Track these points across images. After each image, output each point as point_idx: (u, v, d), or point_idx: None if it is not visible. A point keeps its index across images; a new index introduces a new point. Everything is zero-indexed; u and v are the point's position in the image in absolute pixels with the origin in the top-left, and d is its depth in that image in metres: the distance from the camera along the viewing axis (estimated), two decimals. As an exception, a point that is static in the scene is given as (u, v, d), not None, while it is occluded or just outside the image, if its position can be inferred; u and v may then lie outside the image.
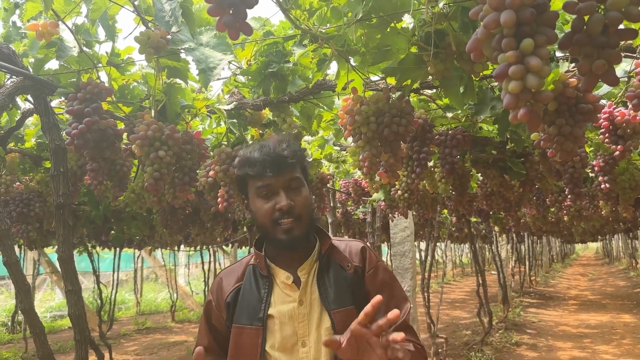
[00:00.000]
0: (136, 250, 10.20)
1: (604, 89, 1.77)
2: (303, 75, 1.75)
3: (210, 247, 8.57)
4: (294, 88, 1.73)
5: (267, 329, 1.34)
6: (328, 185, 2.76)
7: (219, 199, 2.13)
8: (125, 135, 1.77)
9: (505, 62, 0.84)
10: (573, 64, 1.46)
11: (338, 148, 2.97)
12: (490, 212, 5.50)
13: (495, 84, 1.91)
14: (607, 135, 1.80)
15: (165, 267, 12.38)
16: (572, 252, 36.48)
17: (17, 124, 2.05)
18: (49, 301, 12.49)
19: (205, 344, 1.42)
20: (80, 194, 2.90)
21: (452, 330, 8.43)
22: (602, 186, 2.39)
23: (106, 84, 1.65)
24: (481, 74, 1.41)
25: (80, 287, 1.70)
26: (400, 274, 4.89)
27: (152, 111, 1.70)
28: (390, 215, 3.12)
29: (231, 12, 0.92)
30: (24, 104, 2.09)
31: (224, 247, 11.75)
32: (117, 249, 7.28)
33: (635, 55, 1.57)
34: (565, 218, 5.06)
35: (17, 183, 2.69)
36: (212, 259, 9.47)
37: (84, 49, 1.58)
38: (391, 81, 1.59)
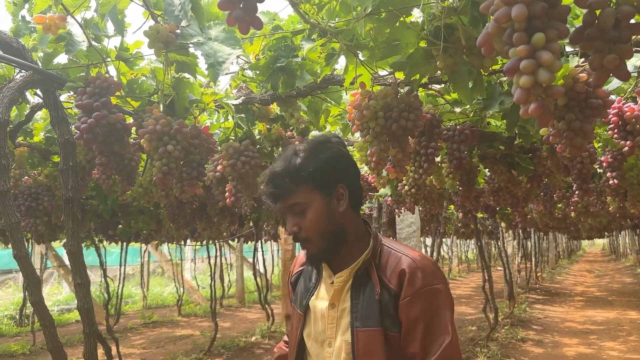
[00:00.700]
0: (143, 245, 10.25)
1: (614, 84, 1.75)
2: (311, 70, 1.75)
3: (216, 241, 8.60)
4: (302, 83, 1.73)
5: (307, 317, 1.42)
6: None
7: (227, 194, 2.14)
8: (133, 129, 1.78)
9: (516, 56, 0.84)
10: (582, 59, 1.45)
11: (345, 143, 2.97)
12: (497, 208, 5.49)
13: (504, 78, 1.90)
14: (616, 130, 1.79)
15: (172, 262, 12.44)
16: (579, 248, 36.34)
17: (26, 118, 2.06)
18: (56, 295, 12.58)
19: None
20: (88, 189, 2.92)
21: (457, 325, 8.39)
22: (611, 182, 2.38)
23: (115, 79, 1.66)
24: (490, 68, 1.40)
25: (89, 281, 1.72)
26: (406, 270, 4.87)
27: (161, 106, 1.70)
28: (396, 210, 3.12)
29: (241, 6, 0.92)
30: (33, 98, 2.10)
31: (230, 241, 11.80)
32: (124, 243, 7.32)
33: (646, 50, 1.56)
34: (572, 214, 5.05)
35: (26, 177, 2.71)
36: (218, 253, 9.50)
37: (93, 43, 1.58)
38: (399, 76, 1.58)
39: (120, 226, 4.94)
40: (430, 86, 1.92)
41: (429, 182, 2.73)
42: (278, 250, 13.55)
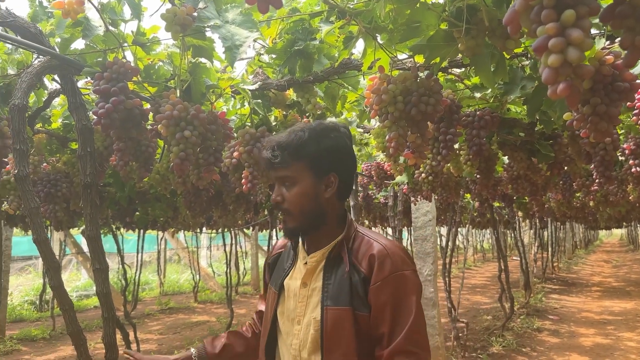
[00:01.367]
0: (159, 232, 10.35)
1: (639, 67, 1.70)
2: (328, 54, 1.72)
3: (231, 229, 8.66)
4: (319, 67, 1.70)
5: (281, 296, 1.49)
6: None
7: (243, 180, 2.13)
8: (150, 115, 1.77)
9: (544, 34, 0.81)
10: (608, 42, 1.40)
11: (361, 130, 2.94)
12: (514, 197, 5.42)
13: (526, 62, 1.85)
14: (640, 116, 1.74)
15: (188, 249, 12.56)
16: (596, 238, 35.90)
17: (45, 104, 2.07)
18: (75, 281, 12.80)
19: (260, 309, 1.70)
20: (105, 176, 2.93)
21: (472, 315, 8.40)
22: (633, 170, 2.33)
23: (132, 64, 1.65)
24: (513, 52, 1.37)
25: (108, 265, 1.73)
26: (421, 259, 4.86)
27: (178, 91, 1.70)
28: (412, 199, 3.09)
29: (260, -15, 0.90)
30: (51, 84, 2.11)
31: (244, 230, 11.86)
32: (141, 230, 7.39)
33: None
34: (591, 203, 4.95)
35: (45, 164, 2.73)
36: (233, 241, 9.57)
37: (110, 28, 1.58)
38: (419, 59, 1.55)
39: (137, 213, 4.98)
40: (450, 70, 1.88)
41: (446, 170, 2.69)
42: (292, 239, 13.55)
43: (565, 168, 2.57)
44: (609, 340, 6.53)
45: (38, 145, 2.57)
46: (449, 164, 2.34)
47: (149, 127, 1.81)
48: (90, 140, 1.65)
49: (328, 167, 1.39)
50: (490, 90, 1.99)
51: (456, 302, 6.00)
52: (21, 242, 13.06)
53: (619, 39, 1.05)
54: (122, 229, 6.93)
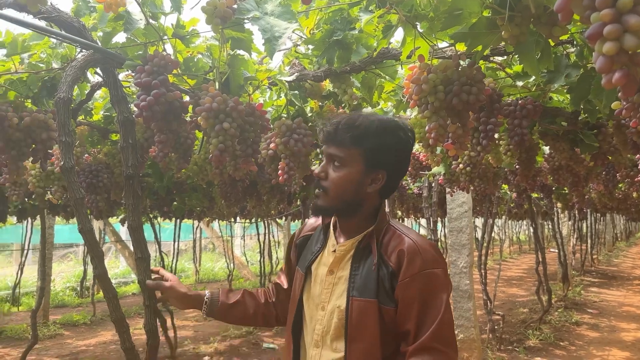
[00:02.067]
0: (195, 221, 10.54)
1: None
2: (366, 43, 1.70)
3: (264, 219, 8.74)
4: (357, 57, 1.69)
5: (307, 279, 1.49)
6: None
7: (280, 172, 2.14)
8: (189, 107, 1.80)
9: (599, 21, 0.78)
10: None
11: (397, 120, 2.91)
12: (554, 188, 5.28)
13: (572, 50, 1.79)
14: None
15: (222, 238, 12.76)
16: (638, 230, 34.69)
17: (87, 96, 2.12)
18: (114, 268, 13.20)
19: (278, 282, 1.70)
20: (144, 166, 2.99)
21: (508, 307, 8.26)
22: (683, 160, 2.23)
23: (172, 57, 1.67)
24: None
25: (149, 255, 1.76)
26: (457, 250, 4.80)
27: (217, 83, 1.71)
28: (449, 190, 3.04)
29: (302, -24, 0.89)
30: (93, 77, 2.16)
31: (277, 219, 11.95)
32: (178, 219, 7.55)
33: None
34: (635, 194, 4.78)
35: (86, 155, 2.80)
36: (266, 231, 9.67)
37: (150, 21, 1.60)
38: (460, 47, 1.52)
39: (174, 203, 5.08)
40: (491, 58, 1.83)
41: (484, 161, 2.64)
42: (325, 229, 13.60)
43: (610, 158, 2.48)
44: (652, 335, 6.33)
45: (80, 137, 2.64)
46: (488, 155, 2.29)
47: (188, 119, 1.84)
48: (132, 133, 1.68)
49: (381, 163, 1.37)
50: (532, 78, 1.93)
51: (492, 294, 5.91)
52: (62, 230, 13.50)
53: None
54: (159, 218, 7.09)
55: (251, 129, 1.83)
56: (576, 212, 10.73)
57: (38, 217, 6.24)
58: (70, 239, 14.63)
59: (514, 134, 1.92)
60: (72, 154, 1.57)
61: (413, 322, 1.28)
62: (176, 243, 8.57)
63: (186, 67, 1.80)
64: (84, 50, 1.78)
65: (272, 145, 2.12)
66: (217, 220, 8.95)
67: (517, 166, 2.61)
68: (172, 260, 8.67)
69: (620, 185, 4.25)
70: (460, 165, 2.61)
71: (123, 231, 11.22)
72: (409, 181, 5.28)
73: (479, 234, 8.52)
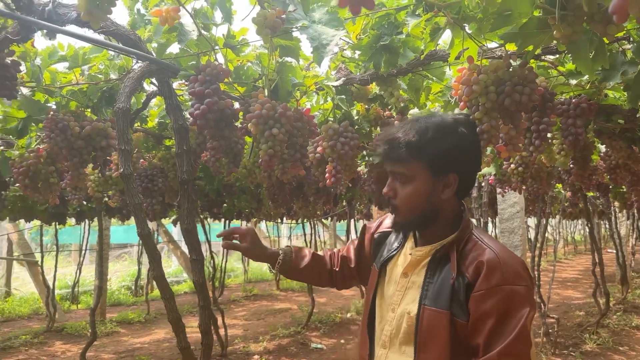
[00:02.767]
0: (243, 222, 10.75)
1: None
2: (413, 46, 1.70)
3: (311, 220, 8.81)
4: (404, 60, 1.69)
5: (381, 277, 1.48)
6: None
7: (327, 175, 2.16)
8: (240, 114, 1.85)
9: (659, 21, 0.75)
10: None
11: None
12: (610, 186, 5.07)
13: (628, 46, 1.72)
14: None
15: (269, 238, 12.94)
16: None
17: (143, 105, 2.21)
18: (166, 268, 13.61)
19: (343, 253, 1.72)
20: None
21: (563, 310, 7.98)
22: None
23: (223, 66, 1.72)
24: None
25: (204, 257, 1.83)
26: (508, 251, 4.68)
27: (266, 90, 1.75)
28: (500, 190, 2.98)
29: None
30: (148, 86, 2.25)
31: (323, 220, 12.01)
32: (227, 220, 7.72)
33: None
34: (701, 192, 4.52)
35: (142, 160, 2.92)
36: (312, 231, 9.74)
37: (202, 32, 1.65)
38: (511, 47, 1.49)
39: (224, 205, 5.21)
40: (543, 57, 1.79)
41: (537, 160, 2.57)
42: (371, 229, 13.56)
43: (672, 156, 2.37)
44: None
45: (136, 143, 2.75)
46: (541, 154, 2.24)
47: (238, 125, 1.89)
48: (186, 140, 1.74)
49: (449, 167, 1.30)
50: (586, 76, 1.87)
51: (546, 296, 5.73)
52: (117, 231, 14.04)
53: None
54: (208, 219, 7.27)
55: (299, 134, 1.86)
56: (635, 211, 10.24)
57: (95, 218, 6.53)
58: (125, 240, 15.23)
59: (568, 134, 1.87)
60: (131, 162, 1.65)
61: (483, 337, 1.20)
62: (225, 243, 8.75)
63: (236, 75, 1.85)
64: (140, 62, 1.86)
65: (319, 148, 2.14)
66: (264, 221, 9.09)
67: (571, 165, 2.53)
68: (222, 260, 8.86)
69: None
70: (512, 166, 2.56)
71: (175, 232, 11.58)
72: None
73: (531, 235, 8.27)
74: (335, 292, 10.89)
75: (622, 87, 1.93)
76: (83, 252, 8.64)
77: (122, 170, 1.63)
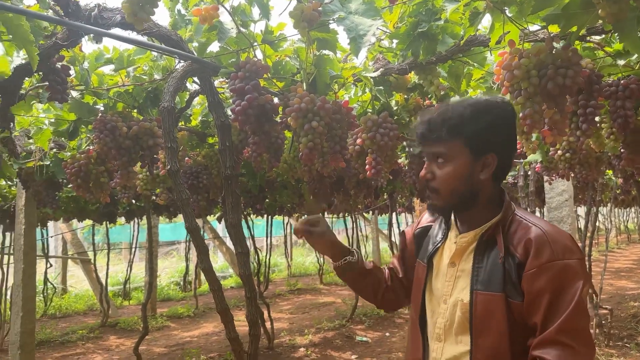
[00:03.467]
0: (285, 217, 10.86)
1: None
2: (452, 33, 1.67)
3: (352, 214, 8.81)
4: (443, 47, 1.66)
5: (429, 271, 1.44)
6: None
7: (367, 167, 2.16)
8: (279, 109, 1.87)
9: None
10: None
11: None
12: (666, 171, 4.83)
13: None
14: None
15: (312, 234, 12.98)
16: None
17: (187, 104, 2.27)
18: (213, 263, 13.86)
19: (392, 266, 1.67)
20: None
21: (617, 301, 7.69)
22: None
23: (262, 62, 1.75)
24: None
25: (249, 250, 1.87)
26: (556, 240, 4.54)
27: (304, 84, 1.77)
28: (547, 178, 2.90)
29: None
30: (191, 85, 2.31)
31: (364, 214, 11.98)
32: (269, 216, 7.82)
33: None
34: None
35: (187, 158, 3.00)
36: (354, 225, 9.75)
37: (241, 29, 1.68)
38: (553, 29, 1.45)
39: (267, 200, 5.28)
40: (588, 38, 1.73)
41: (585, 146, 2.48)
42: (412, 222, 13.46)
43: None
44: None
45: (181, 141, 2.83)
46: (589, 139, 2.16)
47: (278, 120, 1.91)
48: (229, 136, 1.78)
49: (487, 147, 1.29)
50: (635, 55, 1.80)
51: (598, 287, 5.53)
52: (165, 228, 14.45)
53: None
54: (252, 215, 7.39)
55: (338, 126, 1.87)
56: (694, 197, 9.73)
57: (144, 217, 6.75)
58: (173, 237, 15.65)
59: (617, 116, 1.80)
60: (177, 159, 1.70)
61: (540, 315, 1.19)
62: (268, 238, 8.88)
63: (275, 70, 1.88)
64: (182, 61, 1.92)
65: (358, 140, 2.15)
66: (306, 215, 9.16)
67: (622, 150, 2.43)
68: (266, 255, 9.00)
69: None
70: (559, 152, 2.48)
71: (220, 228, 11.82)
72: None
73: (581, 224, 7.99)
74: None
75: (675, 66, 1.84)
76: (133, 249, 8.95)
77: (169, 167, 1.69)
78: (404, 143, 3.14)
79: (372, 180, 4.29)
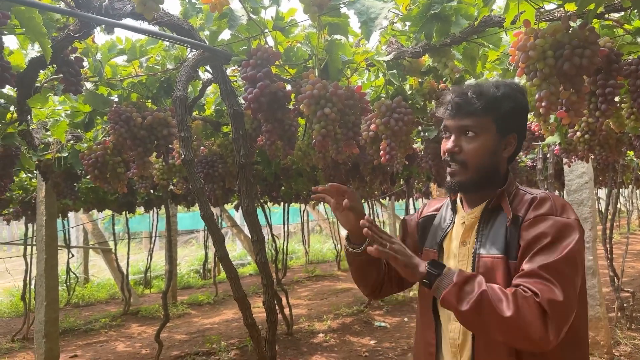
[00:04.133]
0: (302, 205, 10.90)
1: None
2: (466, 14, 1.64)
3: (368, 200, 8.80)
4: (457, 28, 1.63)
5: (440, 257, 1.47)
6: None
7: (381, 152, 2.15)
8: (292, 96, 1.86)
9: None
10: None
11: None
12: (690, 151, 4.72)
13: None
14: None
15: (328, 220, 13.05)
16: None
17: (200, 93, 2.27)
18: (231, 251, 14.06)
19: None
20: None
21: (639, 284, 7.58)
22: None
23: (273, 48, 1.74)
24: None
25: (264, 237, 1.87)
26: (576, 224, 4.49)
27: (316, 70, 1.75)
28: (566, 160, 2.85)
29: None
30: (203, 74, 2.31)
31: (381, 200, 11.97)
32: (286, 204, 7.85)
33: None
34: None
35: (202, 147, 3.02)
36: (370, 211, 9.73)
37: (252, 16, 1.67)
38: (570, 7, 1.41)
39: (282, 188, 5.29)
40: (606, 16, 1.68)
41: (605, 127, 2.43)
42: (431, 207, 13.39)
43: None
44: None
45: (195, 131, 2.84)
46: (608, 120, 2.11)
47: (291, 107, 1.90)
48: (242, 124, 1.78)
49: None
50: (657, 32, 1.74)
51: (619, 270, 5.46)
52: (184, 217, 14.62)
53: None
54: (268, 203, 7.43)
55: (351, 112, 1.86)
56: None
57: (162, 206, 6.83)
58: (192, 226, 15.84)
59: (637, 96, 1.75)
60: (191, 148, 1.70)
61: (529, 257, 1.22)
62: (285, 226, 8.92)
63: (287, 57, 1.86)
64: (194, 50, 1.91)
65: (372, 126, 2.13)
66: (322, 202, 9.18)
67: (643, 130, 2.37)
68: (283, 243, 9.05)
69: None
70: (578, 133, 2.43)
71: (237, 216, 11.92)
72: (521, 154, 5.01)
73: (602, 206, 7.86)
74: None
75: (698, 42, 1.78)
76: (153, 239, 9.08)
77: (183, 156, 1.70)
78: (419, 128, 3.11)
79: (387, 166, 4.27)
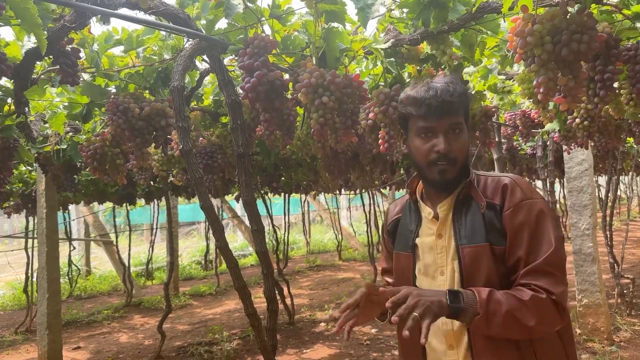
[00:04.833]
0: (302, 195, 10.90)
1: None
2: (464, 0, 1.63)
3: (369, 190, 8.81)
4: (455, 15, 1.62)
5: (416, 255, 1.50)
6: (493, 119, 2.59)
7: (380, 141, 2.14)
8: (290, 85, 1.85)
9: None
10: None
11: (503, 77, 2.75)
12: (690, 137, 4.71)
13: None
14: None
15: (329, 210, 13.07)
16: None
17: (197, 83, 2.27)
18: (232, 242, 14.10)
19: (385, 266, 1.71)
20: (253, 145, 3.15)
21: (639, 270, 7.61)
22: None
23: (270, 37, 1.73)
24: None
25: (264, 227, 1.88)
26: (578, 212, 4.49)
27: (314, 58, 1.74)
28: (565, 147, 2.84)
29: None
30: (201, 64, 2.30)
31: (382, 189, 11.97)
32: (286, 194, 7.86)
33: None
34: None
35: (201, 138, 3.01)
36: (371, 201, 9.74)
37: (248, 4, 1.66)
38: (568, -7, 1.40)
39: (282, 179, 5.29)
40: (604, 0, 1.67)
41: (604, 113, 2.42)
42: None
43: None
44: None
45: (194, 122, 2.84)
46: (607, 106, 2.11)
47: (289, 96, 1.90)
48: (240, 114, 1.78)
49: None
50: (657, 16, 1.73)
51: (619, 257, 5.47)
52: (185, 209, 14.64)
53: None
54: (269, 194, 7.43)
55: (349, 101, 1.85)
56: None
57: (163, 198, 6.84)
58: (193, 218, 15.87)
59: (637, 81, 1.74)
60: (189, 138, 1.70)
61: (524, 248, 1.30)
62: (286, 217, 8.95)
63: (284, 45, 1.85)
64: (191, 40, 1.90)
65: (371, 114, 2.12)
66: (322, 193, 9.18)
67: (643, 116, 2.37)
68: (284, 233, 9.06)
69: None
70: (577, 120, 2.43)
71: (238, 207, 11.93)
72: (521, 141, 5.00)
73: (602, 193, 7.87)
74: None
75: (698, 26, 1.77)
76: (154, 230, 9.10)
77: (181, 147, 1.69)
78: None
79: (387, 155, 4.26)
